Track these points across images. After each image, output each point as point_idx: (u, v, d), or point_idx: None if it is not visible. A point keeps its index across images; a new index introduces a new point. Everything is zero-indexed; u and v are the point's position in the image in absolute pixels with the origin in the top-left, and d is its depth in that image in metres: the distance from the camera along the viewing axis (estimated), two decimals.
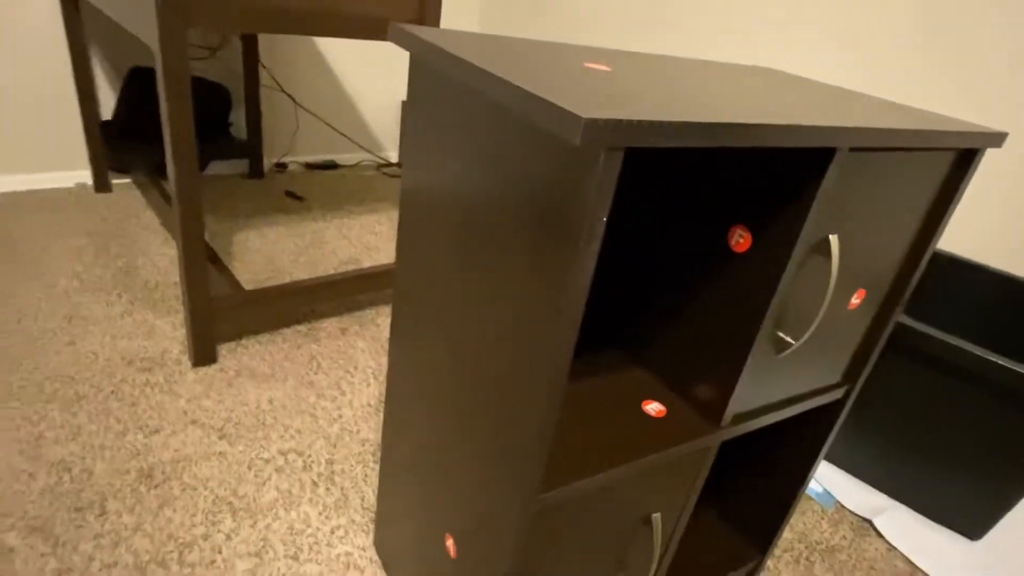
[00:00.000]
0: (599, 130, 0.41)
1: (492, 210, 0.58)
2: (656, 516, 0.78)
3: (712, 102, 0.56)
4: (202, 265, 1.29)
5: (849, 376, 0.90)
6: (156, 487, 1.09)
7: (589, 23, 2.30)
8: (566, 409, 0.74)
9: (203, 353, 1.39)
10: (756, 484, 1.08)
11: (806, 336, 0.71)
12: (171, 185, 1.22)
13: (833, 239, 0.67)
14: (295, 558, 1.01)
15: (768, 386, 0.79)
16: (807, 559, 1.19)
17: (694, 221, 0.75)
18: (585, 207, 0.45)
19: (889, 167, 0.68)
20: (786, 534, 1.23)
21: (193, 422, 1.24)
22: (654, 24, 2.08)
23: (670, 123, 0.44)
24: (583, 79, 0.56)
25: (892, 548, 1.24)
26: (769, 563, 1.16)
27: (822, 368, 0.85)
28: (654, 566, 0.81)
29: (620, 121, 0.42)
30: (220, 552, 1.00)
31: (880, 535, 1.27)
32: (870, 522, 1.30)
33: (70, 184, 2.10)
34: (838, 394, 0.90)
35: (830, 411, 0.94)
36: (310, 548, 1.03)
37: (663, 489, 0.77)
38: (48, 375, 1.28)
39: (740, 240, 0.70)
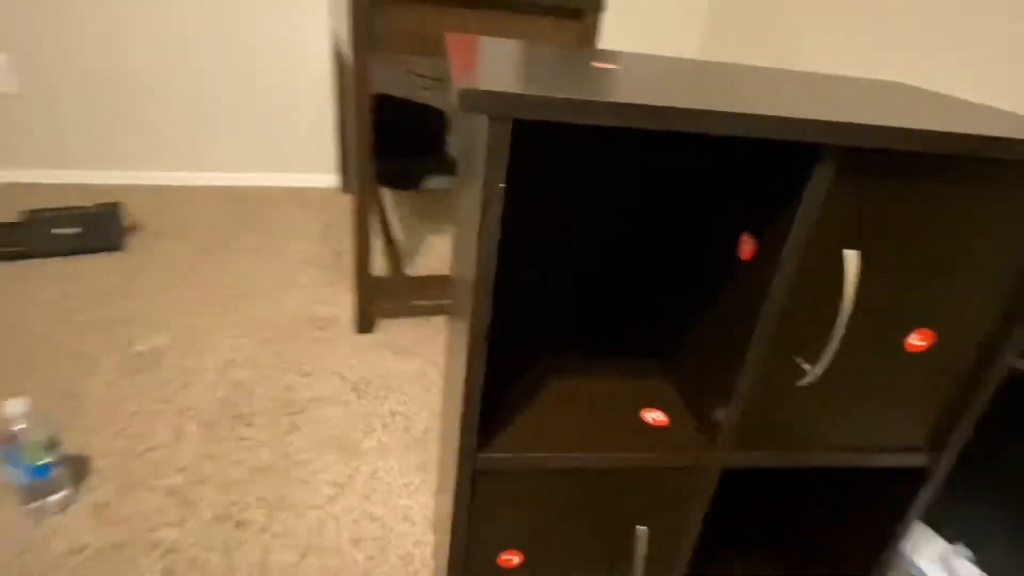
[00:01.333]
0: (476, 98, 0.47)
1: (467, 186, 0.65)
2: (641, 529, 0.75)
3: (681, 93, 0.56)
4: (367, 249, 1.56)
5: (937, 440, 0.75)
6: (291, 415, 1.35)
7: (809, 47, 2.16)
8: (559, 399, 0.76)
9: (363, 322, 1.66)
10: (837, 559, 0.93)
11: (823, 364, 0.64)
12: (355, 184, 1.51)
13: (850, 255, 0.60)
14: (367, 497, 1.17)
15: (796, 422, 0.71)
16: None
17: (714, 227, 0.72)
18: (484, 173, 0.51)
19: (953, 180, 0.58)
20: None
21: (337, 374, 1.49)
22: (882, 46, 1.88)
23: (551, 98, 0.47)
24: (574, 73, 0.61)
25: None
26: None
27: (889, 422, 0.73)
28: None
29: (498, 92, 0.47)
30: (315, 474, 1.20)
31: None
32: None
33: (325, 185, 2.64)
34: (919, 460, 0.75)
35: (912, 482, 0.78)
36: (382, 493, 1.18)
37: (653, 504, 0.74)
38: (252, 319, 1.66)
39: (746, 247, 0.66)
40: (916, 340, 0.67)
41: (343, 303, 1.79)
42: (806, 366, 0.65)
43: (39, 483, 1.04)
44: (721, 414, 0.69)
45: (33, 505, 1.06)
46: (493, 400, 0.74)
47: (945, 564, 1.14)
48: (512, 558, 0.76)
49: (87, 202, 2.09)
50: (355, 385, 1.47)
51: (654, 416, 0.75)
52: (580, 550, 0.76)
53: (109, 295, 1.70)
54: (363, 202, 1.50)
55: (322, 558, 1.05)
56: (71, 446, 1.20)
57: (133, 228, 2.08)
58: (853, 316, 0.63)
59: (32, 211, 2.01)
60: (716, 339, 0.71)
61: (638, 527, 0.75)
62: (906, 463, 0.76)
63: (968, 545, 1.15)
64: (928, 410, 0.72)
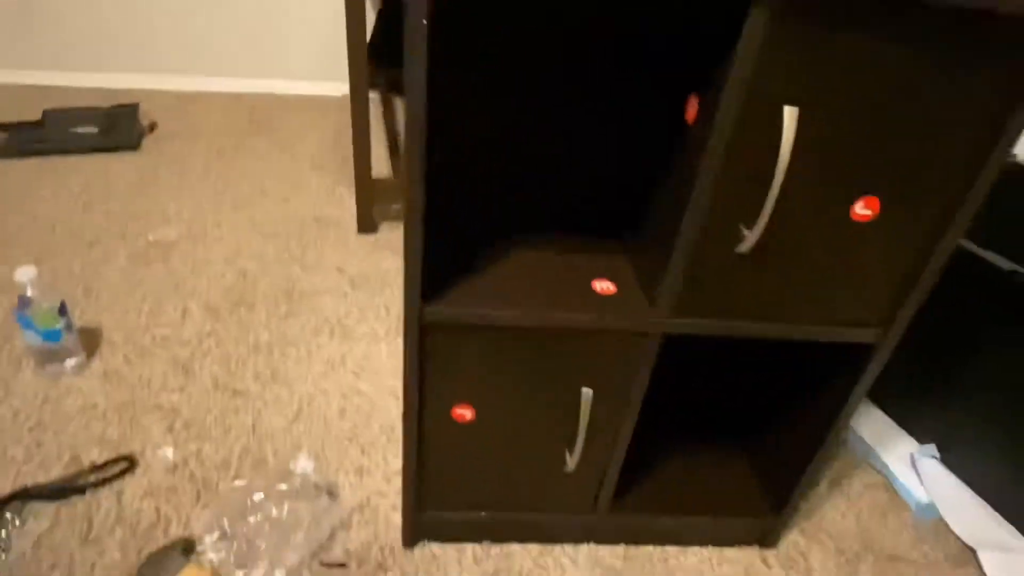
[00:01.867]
0: None
1: None
2: (586, 390, 0.78)
3: None
4: (367, 152, 1.57)
5: (885, 316, 0.75)
6: (291, 303, 1.41)
7: None
8: (513, 267, 0.79)
9: (365, 222, 1.70)
10: (784, 436, 0.97)
11: (759, 229, 0.64)
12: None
13: (789, 111, 0.59)
14: (356, 376, 1.24)
15: (739, 291, 0.72)
16: (854, 553, 1.02)
17: (667, 93, 0.71)
18: (409, 11, 0.52)
19: (902, 32, 0.56)
20: (844, 524, 1.06)
21: (337, 268, 1.55)
22: None
23: None
24: None
25: None
26: (801, 541, 1.03)
27: (836, 296, 0.73)
28: (580, 441, 0.82)
29: None
30: (309, 354, 1.28)
31: (982, 571, 1.01)
32: (974, 553, 1.04)
33: (337, 94, 2.64)
34: (867, 335, 0.76)
35: (862, 359, 0.80)
36: (370, 373, 1.25)
37: (598, 368, 0.78)
38: (260, 217, 1.72)
39: (691, 109, 0.65)
40: (862, 209, 0.66)
41: (347, 206, 1.83)
42: (745, 231, 0.66)
43: (53, 347, 1.13)
44: (662, 278, 0.71)
45: (50, 368, 1.16)
46: (447, 263, 0.76)
47: (912, 462, 1.17)
48: (465, 413, 0.81)
49: (106, 104, 2.14)
50: (353, 279, 1.52)
51: (603, 286, 0.77)
52: (529, 408, 0.81)
53: (125, 191, 1.77)
54: (359, 105, 1.51)
55: (310, 425, 1.13)
56: (85, 321, 1.29)
57: (150, 129, 2.13)
58: (794, 180, 0.63)
59: (54, 110, 2.07)
60: (663, 207, 0.72)
61: (583, 388, 0.79)
62: (854, 338, 0.77)
63: (937, 445, 1.17)
64: (876, 284, 0.73)
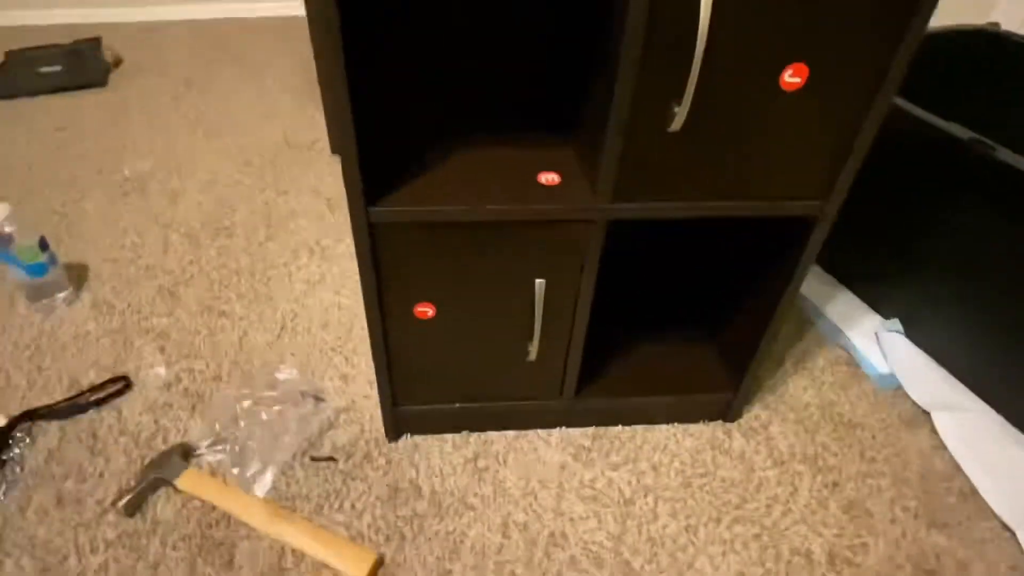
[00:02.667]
0: None
1: None
2: (539, 281, 0.82)
3: None
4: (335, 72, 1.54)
5: (823, 189, 0.77)
6: (269, 227, 1.44)
7: None
8: (458, 163, 0.80)
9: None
10: (741, 314, 1.01)
11: (686, 104, 0.65)
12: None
13: None
14: (337, 292, 1.28)
15: (676, 170, 0.73)
16: (814, 423, 1.08)
17: None
18: None
19: None
20: (806, 397, 1.12)
21: (313, 191, 1.56)
22: None
23: None
24: None
25: (941, 448, 1.05)
26: (763, 414, 1.09)
27: (774, 169, 0.74)
28: (537, 331, 0.86)
29: None
30: (290, 275, 1.32)
31: (935, 431, 1.07)
32: (928, 416, 1.10)
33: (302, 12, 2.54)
34: (808, 208, 0.78)
35: (806, 230, 0.82)
36: (351, 289, 1.29)
37: (548, 258, 0.80)
38: (234, 145, 1.71)
39: None
40: (790, 77, 0.66)
41: (321, 128, 1.81)
42: (675, 108, 0.67)
43: (41, 282, 1.18)
44: (600, 163, 0.72)
45: (41, 303, 1.20)
46: (392, 164, 0.78)
47: (877, 338, 1.21)
48: (427, 310, 0.85)
49: (68, 40, 2.09)
50: (329, 201, 1.53)
51: (548, 178, 0.79)
52: (487, 301, 0.85)
53: (96, 127, 1.76)
54: (322, 23, 1.46)
55: (294, 338, 1.18)
56: (71, 257, 1.33)
57: (116, 64, 2.09)
58: (717, 51, 0.63)
59: (15, 52, 2.03)
60: (597, 94, 0.72)
61: (536, 280, 0.82)
62: (794, 212, 0.79)
63: (902, 320, 1.21)
64: (811, 156, 0.74)
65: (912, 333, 1.19)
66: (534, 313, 0.85)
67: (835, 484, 1.00)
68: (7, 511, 0.90)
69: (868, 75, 0.67)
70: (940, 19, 0.78)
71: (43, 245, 1.15)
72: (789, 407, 1.11)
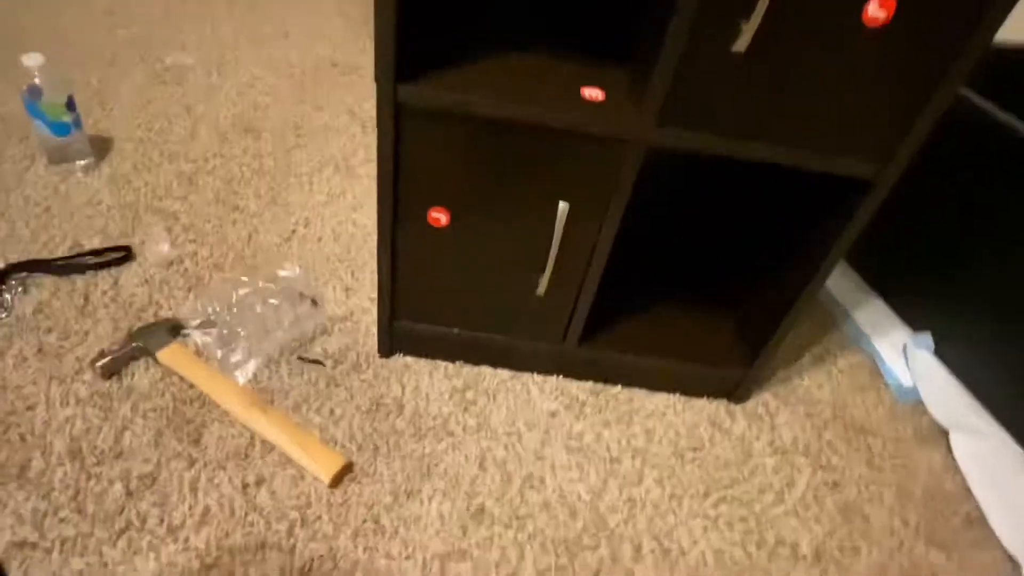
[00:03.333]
0: None
1: None
2: (563, 204, 0.77)
3: None
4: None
5: (886, 151, 0.71)
6: (298, 136, 1.41)
7: None
8: (503, 61, 0.75)
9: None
10: (766, 288, 0.95)
11: (756, 19, 0.59)
12: None
13: None
14: (355, 209, 1.24)
15: (730, 102, 0.68)
16: (823, 420, 1.02)
17: None
18: None
19: None
20: (820, 394, 1.06)
21: (349, 111, 1.53)
22: None
23: None
24: None
25: (953, 471, 0.99)
26: (772, 402, 1.03)
27: (837, 118, 0.69)
28: (551, 260, 0.81)
29: None
30: (312, 184, 1.28)
31: (950, 453, 1.01)
32: (946, 435, 1.03)
33: None
34: (866, 170, 0.72)
35: (854, 195, 0.76)
36: (370, 208, 1.25)
37: (577, 179, 0.76)
38: (279, 57, 1.68)
39: None
40: (875, 10, 0.60)
41: (369, 58, 1.77)
42: (742, 24, 0.61)
43: (63, 143, 1.16)
44: (650, 78, 0.67)
45: (62, 167, 1.19)
46: (430, 49, 0.73)
47: (904, 350, 1.14)
48: (440, 216, 0.81)
49: None
50: (364, 123, 1.50)
51: (592, 93, 0.74)
52: (504, 218, 0.80)
53: (148, 18, 1.74)
54: None
55: (304, 244, 1.15)
56: (98, 129, 1.31)
57: None
58: None
59: None
60: (658, 8, 0.67)
61: (560, 202, 0.77)
62: (850, 171, 0.73)
63: (933, 336, 1.14)
64: (880, 109, 0.68)
65: (942, 350, 1.12)
66: (551, 240, 0.80)
67: (835, 484, 0.94)
68: None
69: (961, 16, 0.60)
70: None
71: (70, 105, 1.13)
72: (800, 399, 1.05)
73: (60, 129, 1.13)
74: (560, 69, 0.77)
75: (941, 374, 1.10)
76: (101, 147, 1.26)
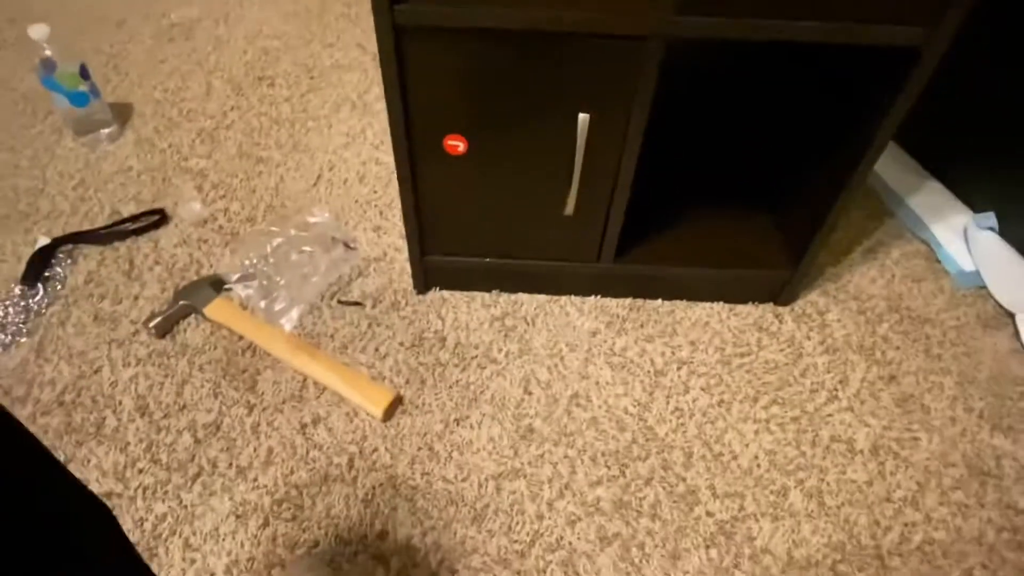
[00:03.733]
0: None
1: None
2: (583, 116, 0.73)
3: None
4: None
5: (933, 13, 0.63)
6: (312, 79, 1.38)
7: None
8: None
9: None
10: (809, 179, 0.90)
11: None
12: None
13: None
14: (376, 148, 1.23)
15: None
16: (877, 314, 0.98)
17: None
18: None
19: None
20: (873, 289, 1.02)
21: (359, 46, 1.48)
22: None
23: None
24: None
25: (1021, 353, 0.94)
26: (821, 301, 1.00)
27: None
28: (576, 178, 0.79)
29: None
30: (331, 126, 1.27)
31: (1017, 336, 0.96)
32: (1012, 318, 0.98)
33: None
34: (912, 36, 0.65)
35: (900, 67, 0.69)
36: (389, 144, 1.23)
37: (596, 87, 0.71)
38: (287, 2, 1.64)
39: None
40: None
41: None
42: None
43: (85, 114, 1.17)
44: None
45: (87, 137, 1.20)
46: None
47: (965, 233, 1.07)
48: (457, 144, 0.78)
49: None
50: (374, 55, 1.45)
51: None
52: (523, 139, 0.77)
53: None
54: None
55: (331, 188, 1.15)
56: (117, 96, 1.31)
57: None
58: None
59: None
60: None
61: (580, 115, 0.73)
62: (895, 40, 0.66)
63: (996, 215, 1.06)
64: None
65: (1007, 230, 1.05)
66: (574, 156, 0.77)
67: (892, 377, 0.91)
68: (48, 322, 0.93)
69: None
70: None
71: (84, 73, 1.13)
72: (852, 296, 1.01)
73: (79, 99, 1.14)
74: None
75: (1006, 254, 1.03)
76: (122, 113, 1.27)
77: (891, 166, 1.18)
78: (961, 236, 1.07)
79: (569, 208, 0.84)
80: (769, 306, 0.99)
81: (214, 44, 1.46)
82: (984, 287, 1.02)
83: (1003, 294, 1.00)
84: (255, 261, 0.98)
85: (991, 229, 1.06)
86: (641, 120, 0.74)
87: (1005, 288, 1.01)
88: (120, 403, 0.85)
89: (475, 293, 0.99)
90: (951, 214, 1.10)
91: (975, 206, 1.10)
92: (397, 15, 0.65)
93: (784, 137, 0.98)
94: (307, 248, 0.99)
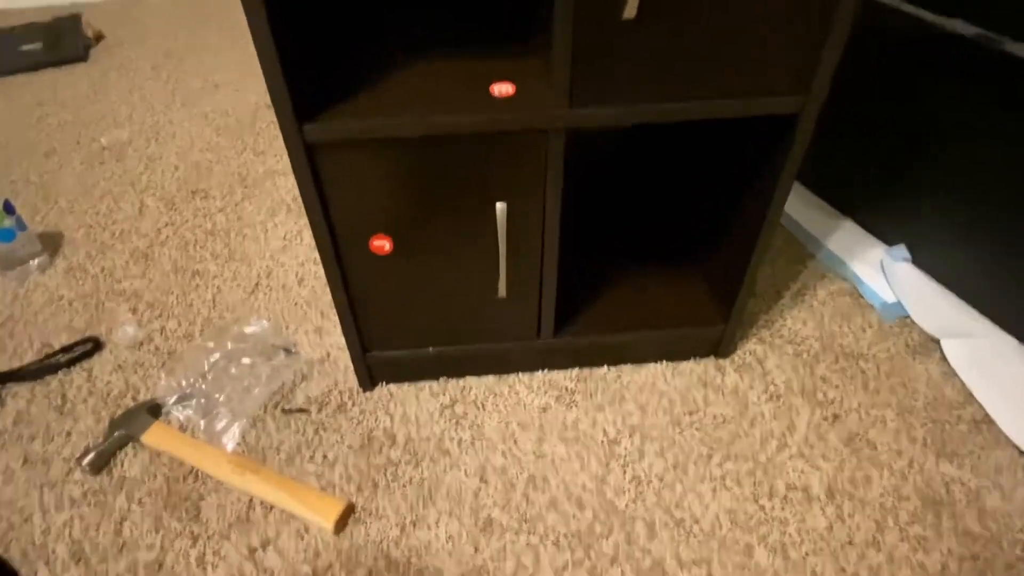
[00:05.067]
0: None
1: None
2: (500, 205, 0.76)
3: None
4: None
5: (800, 81, 0.69)
6: (245, 187, 1.40)
7: None
8: (403, 76, 0.74)
9: None
10: (726, 238, 0.94)
11: None
12: None
13: None
14: (313, 247, 1.24)
15: (640, 70, 0.67)
16: (813, 355, 1.01)
17: None
18: None
19: None
20: (805, 330, 1.05)
21: None
22: None
23: None
24: None
25: (951, 376, 0.98)
26: (759, 348, 1.03)
27: (745, 60, 0.68)
28: (503, 262, 0.81)
29: None
30: (266, 232, 1.28)
31: (944, 360, 1.00)
32: (938, 343, 1.02)
33: None
34: (788, 104, 0.71)
35: (785, 128, 0.75)
36: None
37: (508, 178, 0.75)
38: (212, 110, 1.67)
39: None
40: None
41: None
42: None
43: (11, 248, 1.15)
44: (552, 63, 0.66)
45: (15, 271, 1.18)
46: (330, 79, 0.72)
47: (882, 266, 1.13)
48: (383, 243, 0.80)
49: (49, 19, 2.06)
50: None
51: (502, 88, 0.72)
52: (446, 232, 0.79)
53: (76, 101, 1.73)
54: None
55: (269, 294, 1.15)
56: (46, 225, 1.30)
57: (96, 39, 2.06)
58: None
59: None
60: None
61: (497, 203, 0.76)
62: (771, 109, 0.71)
63: (908, 247, 1.13)
64: (787, 40, 0.67)
65: (919, 259, 1.11)
66: (498, 243, 0.79)
67: (835, 417, 0.94)
68: None
69: None
70: None
71: (8, 209, 1.12)
72: (787, 340, 1.04)
73: (3, 235, 1.13)
74: (466, 70, 0.75)
75: (922, 283, 1.09)
76: (52, 242, 1.26)
77: (805, 211, 1.25)
78: (879, 270, 1.13)
79: (502, 291, 0.86)
80: (711, 360, 1.01)
81: (146, 163, 1.48)
82: (908, 316, 1.07)
83: (926, 321, 1.05)
84: (193, 380, 0.95)
85: (905, 260, 1.12)
86: (556, 202, 0.78)
87: (927, 315, 1.06)
88: (53, 552, 0.80)
89: (423, 383, 0.99)
90: (867, 250, 1.16)
91: (888, 240, 1.16)
92: (307, 133, 0.67)
93: (701, 195, 1.03)
94: (246, 360, 0.97)
